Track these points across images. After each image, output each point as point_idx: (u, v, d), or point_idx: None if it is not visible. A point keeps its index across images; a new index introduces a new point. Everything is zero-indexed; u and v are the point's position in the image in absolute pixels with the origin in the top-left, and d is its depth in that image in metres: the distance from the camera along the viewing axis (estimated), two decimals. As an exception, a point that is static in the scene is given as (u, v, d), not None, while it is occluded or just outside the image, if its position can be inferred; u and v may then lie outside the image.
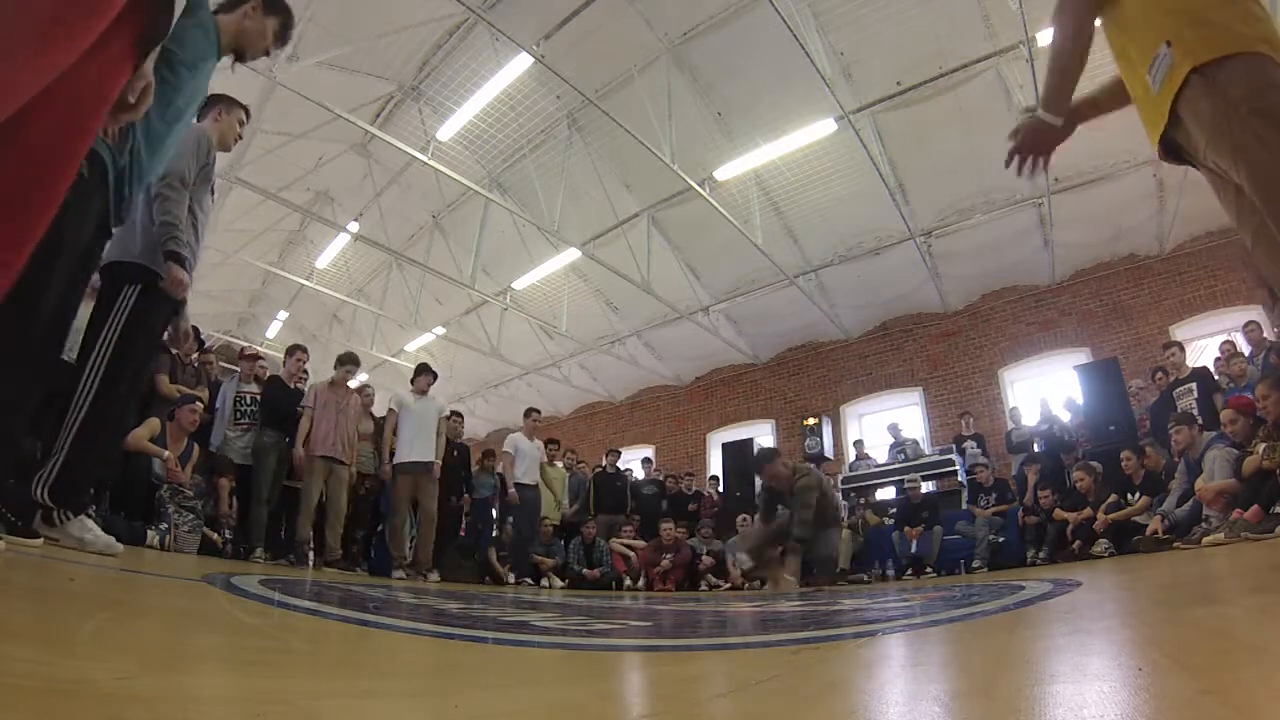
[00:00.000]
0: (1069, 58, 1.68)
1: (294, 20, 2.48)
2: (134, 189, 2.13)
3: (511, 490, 7.08)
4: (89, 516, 2.51)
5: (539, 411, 7.59)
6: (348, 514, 5.88)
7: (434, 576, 6.11)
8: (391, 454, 6.26)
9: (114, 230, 2.18)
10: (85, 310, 3.65)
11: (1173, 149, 1.61)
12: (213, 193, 2.91)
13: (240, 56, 2.38)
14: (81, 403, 2.39)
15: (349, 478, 5.91)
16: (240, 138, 3.14)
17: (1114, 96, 1.79)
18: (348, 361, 6.14)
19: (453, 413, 7.53)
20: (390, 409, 6.38)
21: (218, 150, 3.00)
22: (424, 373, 6.58)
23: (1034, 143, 1.78)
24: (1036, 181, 8.12)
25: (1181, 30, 1.48)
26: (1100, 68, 1.70)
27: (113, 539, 2.54)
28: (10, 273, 0.95)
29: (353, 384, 6.36)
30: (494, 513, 7.78)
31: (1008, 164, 1.82)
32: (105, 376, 2.42)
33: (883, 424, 10.40)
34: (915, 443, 9.64)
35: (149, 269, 2.59)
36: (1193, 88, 1.46)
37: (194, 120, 2.34)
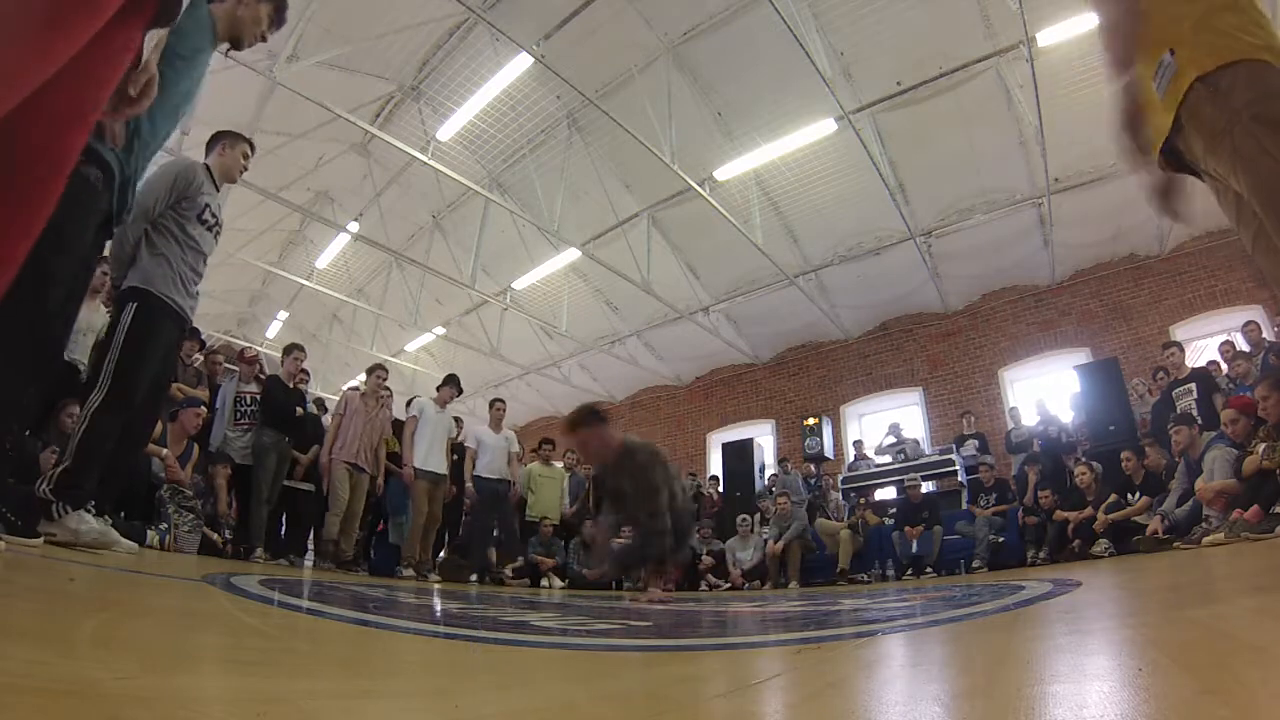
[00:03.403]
0: (1114, 30, 1.65)
1: (287, 3, 2.48)
2: (133, 191, 2.20)
3: (468, 485, 6.79)
4: (88, 511, 2.54)
5: (503, 401, 7.43)
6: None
7: (434, 576, 6.12)
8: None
9: (114, 230, 2.23)
10: (89, 314, 3.69)
11: (1173, 155, 1.61)
12: (209, 223, 3.00)
13: (236, 44, 2.39)
14: (88, 410, 2.53)
15: (377, 491, 6.09)
16: (245, 169, 3.26)
17: None
18: (376, 370, 6.32)
19: (456, 418, 7.50)
20: (411, 415, 6.39)
21: (223, 181, 3.15)
22: (450, 384, 6.64)
23: (1125, 114, 1.71)
24: (1036, 181, 8.15)
25: (1186, 38, 1.48)
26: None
27: (108, 530, 2.61)
28: (12, 268, 0.95)
29: (354, 382, 6.38)
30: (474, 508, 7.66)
31: (1125, 155, 1.75)
32: (112, 388, 2.56)
33: (883, 424, 10.39)
34: (915, 443, 9.64)
35: (146, 290, 2.75)
36: (1195, 94, 1.46)
37: (189, 112, 2.39)
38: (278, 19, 2.45)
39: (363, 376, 6.66)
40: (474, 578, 6.39)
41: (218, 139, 3.17)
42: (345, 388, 6.31)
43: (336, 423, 5.85)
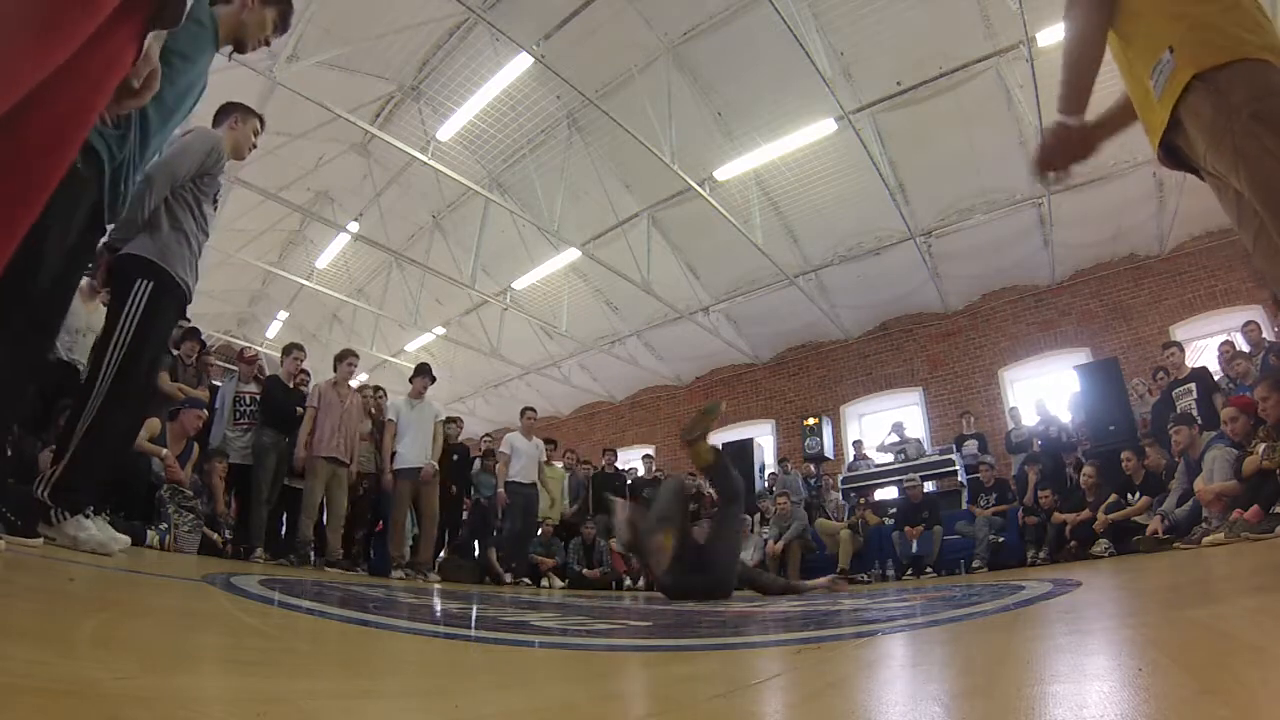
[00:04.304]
0: (1078, 57, 1.66)
1: (293, 8, 2.46)
2: (129, 184, 2.11)
3: (500, 490, 6.94)
4: (86, 516, 2.49)
5: (534, 410, 7.52)
6: (347, 514, 5.87)
7: (433, 576, 6.11)
8: (392, 456, 6.22)
9: (108, 226, 2.17)
10: (87, 311, 3.65)
11: (1173, 153, 1.61)
12: (217, 202, 2.88)
13: (240, 47, 2.37)
14: (93, 407, 2.34)
15: (350, 478, 5.89)
16: (255, 146, 3.07)
17: (1126, 112, 1.76)
18: (347, 356, 6.08)
19: (449, 419, 7.51)
20: (388, 419, 6.30)
21: (231, 159, 2.96)
22: (422, 374, 6.50)
23: (1054, 150, 1.71)
24: (1036, 181, 8.14)
25: (1184, 36, 1.48)
26: (1114, 73, 1.69)
27: (106, 539, 2.50)
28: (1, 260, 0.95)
29: (354, 383, 6.34)
30: (500, 512, 7.75)
31: (1036, 175, 1.75)
32: (119, 376, 2.38)
33: (882, 424, 10.39)
34: (918, 442, 9.65)
35: (163, 268, 2.57)
36: (1194, 93, 1.46)
37: (189, 113, 2.33)
38: (282, 24, 2.43)
39: (364, 376, 6.63)
40: (510, 572, 6.41)
41: (229, 111, 2.95)
42: (323, 381, 6.14)
43: (311, 415, 5.65)
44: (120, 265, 2.55)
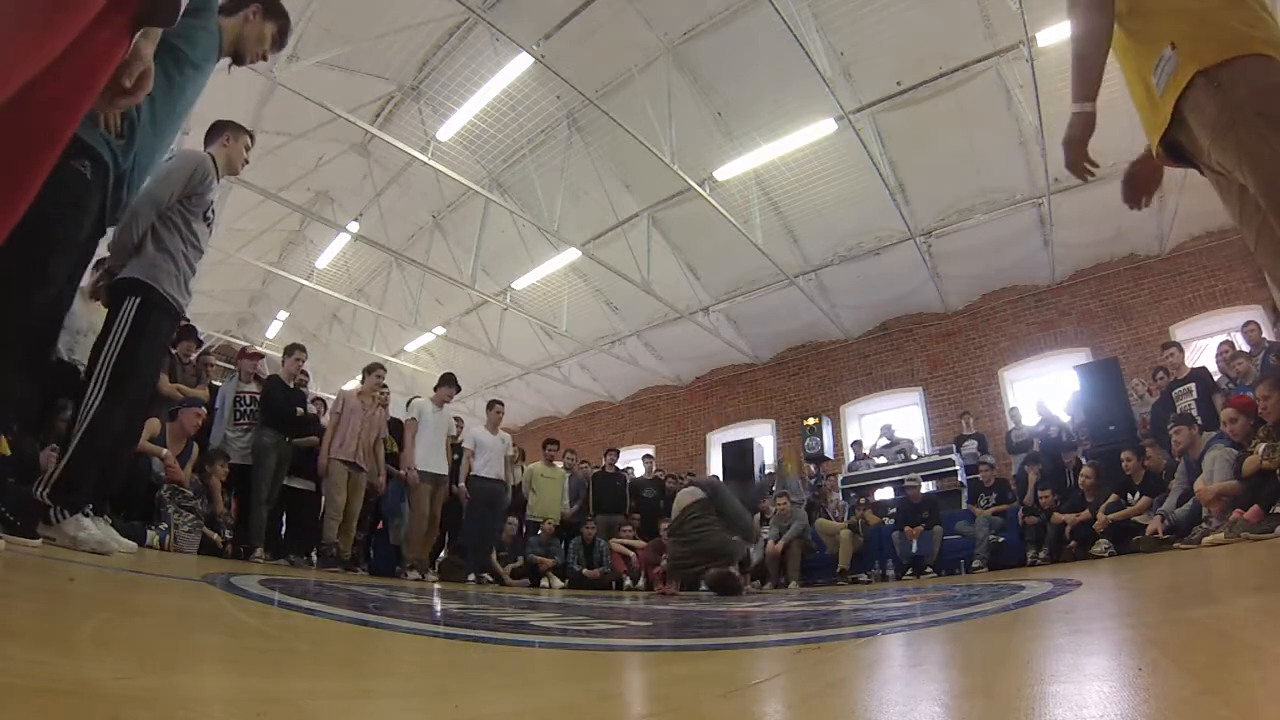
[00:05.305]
0: (1085, 46, 1.67)
1: (291, 25, 2.59)
2: (131, 190, 2.18)
3: (461, 484, 6.86)
4: (85, 515, 2.51)
5: (501, 404, 7.47)
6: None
7: (431, 576, 6.13)
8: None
9: (108, 229, 2.22)
10: (90, 314, 3.68)
11: (1173, 149, 1.61)
12: (210, 220, 2.97)
13: (238, 59, 2.46)
14: (88, 410, 2.48)
15: (369, 482, 6.01)
16: (247, 161, 3.20)
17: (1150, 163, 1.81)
18: (375, 369, 6.31)
19: (456, 418, 7.51)
20: (411, 418, 6.39)
21: (225, 174, 3.08)
22: (448, 384, 6.65)
23: (1074, 141, 1.73)
24: (1036, 181, 8.15)
25: (1186, 32, 1.48)
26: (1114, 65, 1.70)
27: (107, 532, 2.56)
28: None
29: (352, 384, 6.38)
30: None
31: (1073, 170, 1.80)
32: (110, 385, 2.51)
33: (883, 424, 10.39)
34: (910, 442, 9.65)
35: (150, 284, 2.70)
36: (1197, 89, 1.46)
37: (187, 118, 2.40)
38: (280, 40, 2.54)
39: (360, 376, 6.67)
40: (471, 577, 6.39)
41: (220, 129, 3.08)
42: (349, 389, 6.31)
43: (334, 422, 5.82)
44: (116, 288, 2.73)
